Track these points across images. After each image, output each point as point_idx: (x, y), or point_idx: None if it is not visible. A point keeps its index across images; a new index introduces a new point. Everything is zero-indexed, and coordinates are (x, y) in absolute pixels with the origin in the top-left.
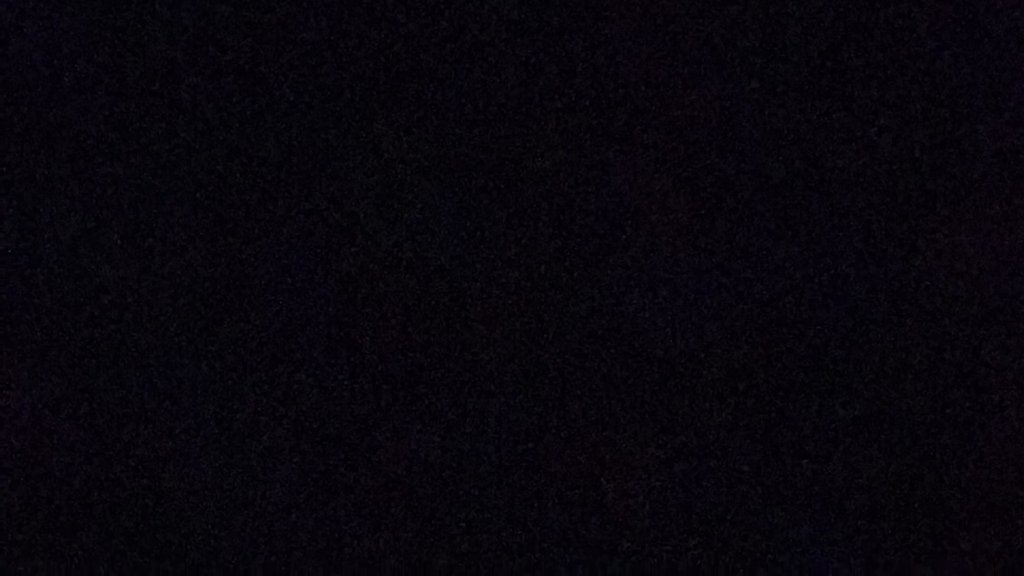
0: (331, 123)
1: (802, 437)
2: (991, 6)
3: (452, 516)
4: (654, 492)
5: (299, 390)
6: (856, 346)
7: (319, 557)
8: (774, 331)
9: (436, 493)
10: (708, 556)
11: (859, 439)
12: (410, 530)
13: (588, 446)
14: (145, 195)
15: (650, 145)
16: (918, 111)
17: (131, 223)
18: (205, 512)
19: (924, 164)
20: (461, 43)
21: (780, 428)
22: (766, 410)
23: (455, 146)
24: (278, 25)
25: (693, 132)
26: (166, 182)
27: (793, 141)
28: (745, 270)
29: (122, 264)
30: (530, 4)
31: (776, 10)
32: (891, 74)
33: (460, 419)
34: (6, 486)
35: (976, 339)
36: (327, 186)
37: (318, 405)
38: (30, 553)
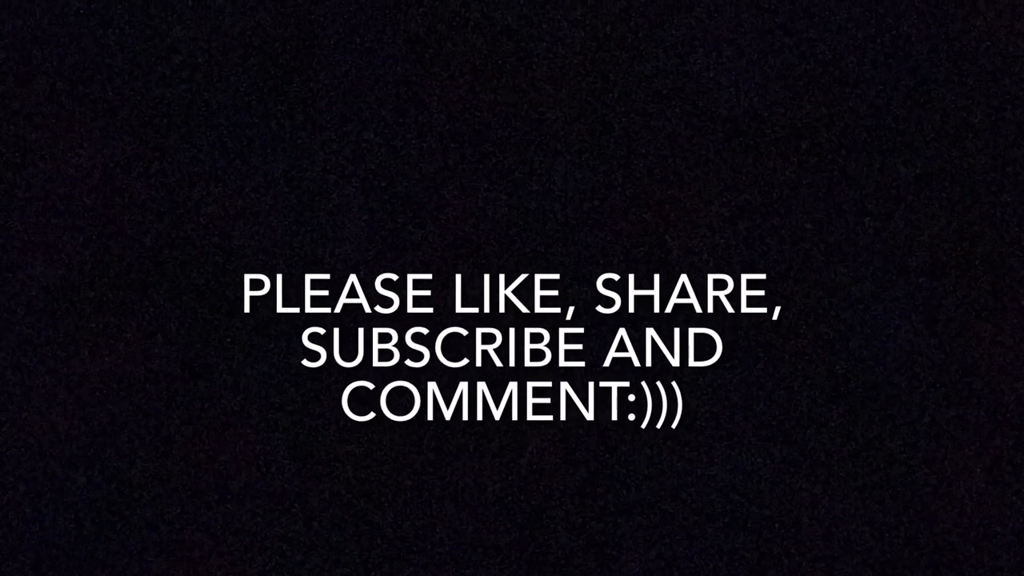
0: None
1: (864, 195)
2: None
3: (518, 272)
4: (718, 249)
5: (368, 148)
6: (918, 104)
7: (386, 317)
8: (837, 90)
9: (503, 250)
10: (770, 313)
11: (920, 197)
12: (476, 288)
13: (653, 204)
14: None
15: None
16: None
17: None
18: (274, 269)
19: None
20: None
21: (842, 186)
22: (828, 168)
23: None
24: None
25: None
26: None
27: None
28: (808, 30)
29: (193, 24)
30: None
31: None
32: None
33: (526, 177)
34: (78, 244)
35: None
36: None
37: (386, 164)
38: (101, 310)
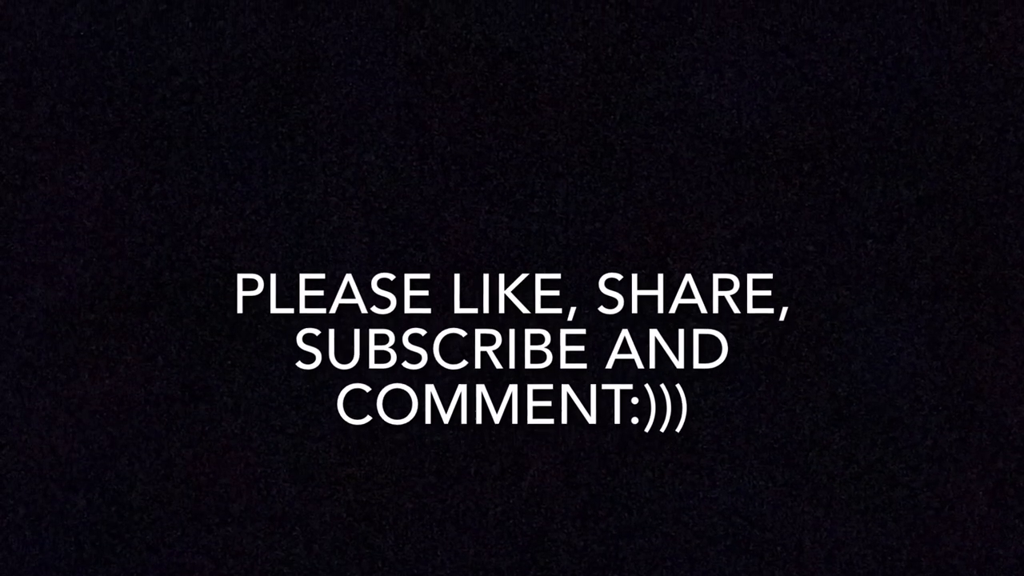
0: None
1: (866, 217)
2: None
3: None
4: (720, 269)
5: (368, 171)
6: (920, 127)
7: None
8: (839, 111)
9: (503, 272)
10: (772, 335)
11: (922, 219)
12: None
13: (655, 226)
14: None
15: None
16: None
17: (202, 6)
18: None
19: None
20: None
21: (844, 208)
22: (830, 190)
23: None
24: None
25: None
26: None
27: None
28: (810, 51)
29: (193, 46)
30: None
31: None
32: None
33: (527, 199)
34: (79, 266)
35: None
36: None
37: (387, 186)
38: (102, 332)
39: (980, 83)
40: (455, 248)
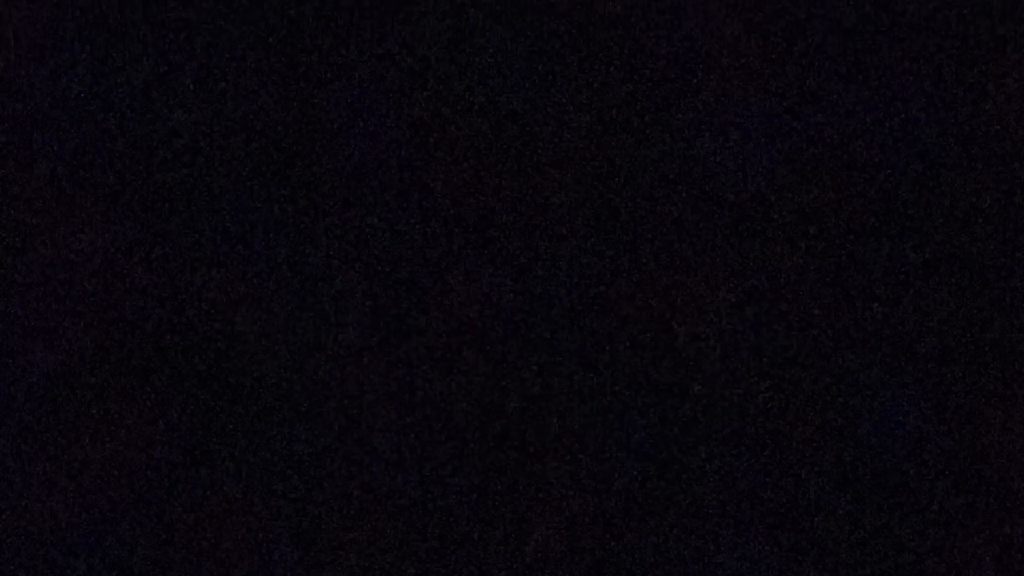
0: None
1: (872, 280)
2: None
3: (523, 360)
4: (725, 335)
5: (371, 234)
6: (926, 189)
7: (390, 401)
8: (844, 175)
9: (507, 336)
10: (778, 399)
11: (929, 282)
12: (481, 374)
13: (659, 289)
14: (217, 39)
15: None
16: None
17: (204, 67)
18: (277, 356)
19: (994, 7)
20: None
21: (850, 271)
22: (836, 253)
23: None
24: None
25: None
26: (238, 26)
27: None
28: (816, 114)
29: (194, 108)
30: None
31: None
32: None
33: (531, 263)
34: (79, 330)
35: None
36: (399, 30)
37: (390, 248)
38: (103, 396)
39: (987, 146)
40: (458, 311)
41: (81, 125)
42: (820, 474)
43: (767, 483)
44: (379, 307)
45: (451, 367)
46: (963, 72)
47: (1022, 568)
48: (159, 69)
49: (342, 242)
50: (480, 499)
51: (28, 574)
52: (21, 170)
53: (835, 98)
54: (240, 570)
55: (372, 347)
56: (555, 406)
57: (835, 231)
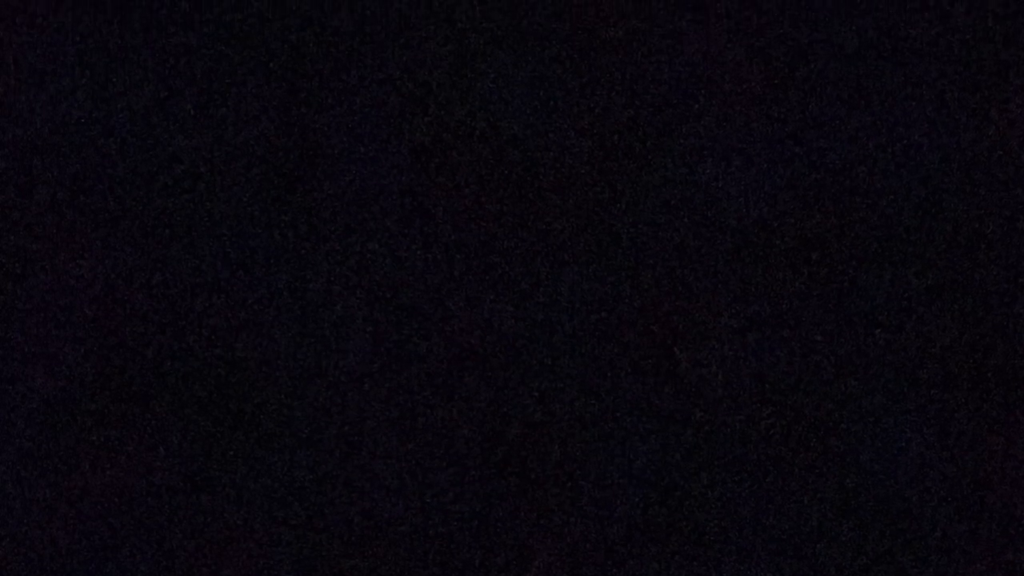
0: None
1: (875, 306)
2: None
3: (525, 386)
4: (727, 362)
5: (372, 260)
6: (929, 215)
7: (391, 427)
8: (847, 200)
9: (509, 363)
10: (780, 425)
11: (932, 308)
12: (482, 400)
13: (661, 315)
14: (218, 65)
15: (723, 14)
16: None
17: (204, 93)
18: (278, 382)
19: (997, 33)
20: None
21: (853, 297)
22: (839, 279)
23: (528, 15)
24: None
25: (767, 1)
26: (239, 52)
27: (866, 11)
28: (818, 140)
29: (195, 134)
30: None
31: None
32: None
33: (533, 288)
34: (80, 356)
35: None
36: (400, 55)
37: (391, 275)
38: (103, 423)
39: (989, 171)
40: (459, 337)
41: (81, 151)
42: (822, 500)
43: (769, 509)
44: (380, 333)
45: (452, 393)
46: (966, 97)
47: None
48: (159, 94)
49: (343, 268)
50: (481, 525)
51: None
52: (21, 196)
53: (837, 123)
54: None
55: (373, 373)
56: (556, 432)
57: (837, 257)
